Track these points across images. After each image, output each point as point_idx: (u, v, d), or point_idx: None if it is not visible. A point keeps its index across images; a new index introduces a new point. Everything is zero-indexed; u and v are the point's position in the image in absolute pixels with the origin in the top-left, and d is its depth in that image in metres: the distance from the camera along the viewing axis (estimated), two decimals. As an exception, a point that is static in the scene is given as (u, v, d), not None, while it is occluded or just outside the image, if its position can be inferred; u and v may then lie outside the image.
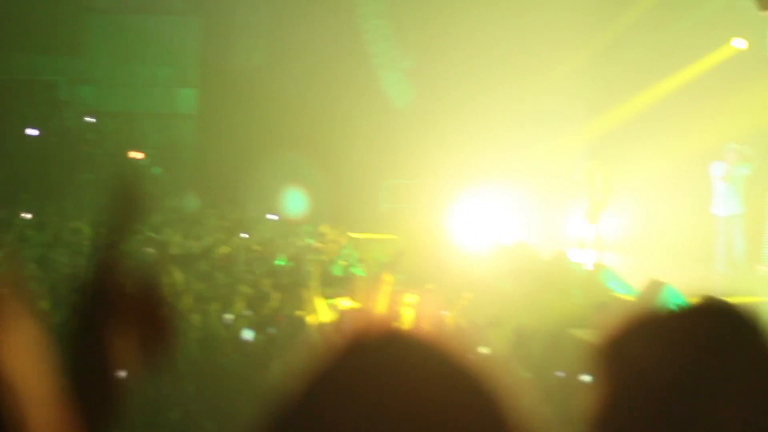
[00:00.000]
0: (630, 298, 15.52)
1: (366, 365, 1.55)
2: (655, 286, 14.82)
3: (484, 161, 24.93)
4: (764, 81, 22.63)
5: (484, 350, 10.10)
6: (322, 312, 11.70)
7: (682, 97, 24.29)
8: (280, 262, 16.66)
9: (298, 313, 11.68)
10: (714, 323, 1.74)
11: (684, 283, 15.78)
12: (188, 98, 28.55)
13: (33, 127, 26.54)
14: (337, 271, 16.18)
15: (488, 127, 25.24)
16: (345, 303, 12.55)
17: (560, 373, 8.75)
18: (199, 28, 27.69)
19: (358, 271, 16.22)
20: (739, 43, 23.93)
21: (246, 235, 19.49)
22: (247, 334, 10.78)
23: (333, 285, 13.86)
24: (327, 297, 12.55)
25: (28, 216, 20.05)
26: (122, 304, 2.16)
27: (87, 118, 27.42)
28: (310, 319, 11.58)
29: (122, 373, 2.15)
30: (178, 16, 28.09)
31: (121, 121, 28.17)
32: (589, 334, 13.43)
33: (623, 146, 24.75)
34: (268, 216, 22.93)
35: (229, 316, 11.46)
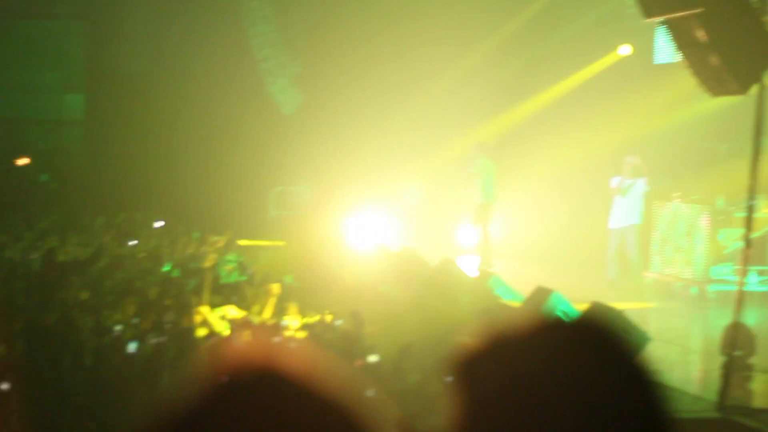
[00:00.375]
0: (516, 304, 15.63)
1: (238, 386, 1.54)
2: (542, 292, 14.96)
3: (375, 167, 24.99)
4: (651, 87, 22.98)
5: (371, 358, 10.11)
6: (210, 321, 11.60)
7: (573, 102, 24.61)
8: (167, 269, 16.51)
9: (186, 322, 11.56)
10: (581, 333, 1.74)
11: (572, 289, 15.99)
12: (76, 104, 28.18)
13: None
14: (225, 278, 16.06)
15: (378, 132, 25.30)
16: (232, 312, 12.46)
17: (448, 378, 8.80)
18: (86, 32, 27.34)
19: (246, 278, 16.12)
20: (624, 50, 24.29)
21: (134, 242, 19.27)
22: (132, 346, 10.65)
23: (221, 293, 13.76)
24: (215, 305, 12.45)
25: None
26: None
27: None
28: (198, 329, 11.48)
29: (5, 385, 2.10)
30: (64, 21, 27.70)
31: (6, 128, 27.71)
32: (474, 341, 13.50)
33: (513, 151, 24.97)
34: (157, 223, 22.71)
35: (117, 327, 11.31)
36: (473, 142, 21.61)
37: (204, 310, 11.78)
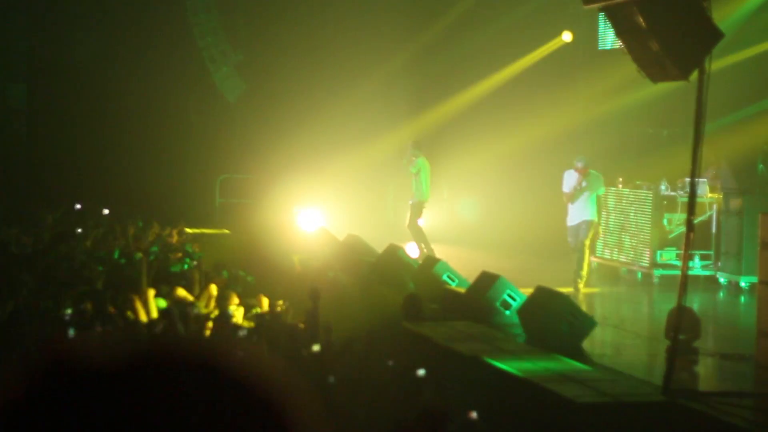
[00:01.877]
0: (462, 289, 15.68)
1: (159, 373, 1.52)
2: (488, 277, 15.01)
3: (319, 156, 24.98)
4: (595, 73, 23.08)
5: (315, 347, 10.09)
6: (153, 309, 11.53)
7: (516, 89, 24.70)
8: (114, 257, 16.39)
9: (130, 310, 11.49)
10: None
11: (518, 275, 16.06)
12: (18, 93, 27.89)
13: None
14: (172, 266, 15.99)
15: (322, 122, 25.29)
16: (179, 298, 12.40)
17: (391, 362, 8.81)
18: (28, 22, 27.07)
19: (192, 266, 16.05)
20: (566, 36, 24.38)
21: (79, 230, 19.13)
22: (71, 333, 10.56)
23: (167, 281, 13.69)
24: (161, 293, 12.37)
25: None
26: None
27: None
28: (142, 316, 11.40)
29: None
30: (4, 10, 27.39)
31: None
32: (422, 327, 13.54)
33: (457, 140, 25.05)
34: (103, 211, 22.57)
35: (66, 311, 11.22)
36: (409, 138, 21.61)
37: (150, 299, 11.69)
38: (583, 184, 18.62)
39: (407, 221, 21.02)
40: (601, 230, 19.77)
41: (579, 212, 18.66)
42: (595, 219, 18.69)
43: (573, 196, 18.67)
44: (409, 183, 21.23)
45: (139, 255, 15.59)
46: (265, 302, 12.60)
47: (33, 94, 27.32)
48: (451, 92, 25.66)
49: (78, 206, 23.34)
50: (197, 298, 12.53)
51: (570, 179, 18.65)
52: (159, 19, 26.29)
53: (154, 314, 11.36)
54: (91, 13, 26.28)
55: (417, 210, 20.86)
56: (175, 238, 18.63)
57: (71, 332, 10.23)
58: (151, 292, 11.66)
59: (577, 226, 18.62)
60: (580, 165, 18.56)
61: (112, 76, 26.18)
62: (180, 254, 16.90)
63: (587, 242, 18.53)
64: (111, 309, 11.43)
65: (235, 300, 12.24)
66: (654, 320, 15.32)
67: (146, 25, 26.22)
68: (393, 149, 23.88)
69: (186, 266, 15.63)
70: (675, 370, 10.36)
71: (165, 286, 12.83)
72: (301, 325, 11.28)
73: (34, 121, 27.17)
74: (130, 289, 12.38)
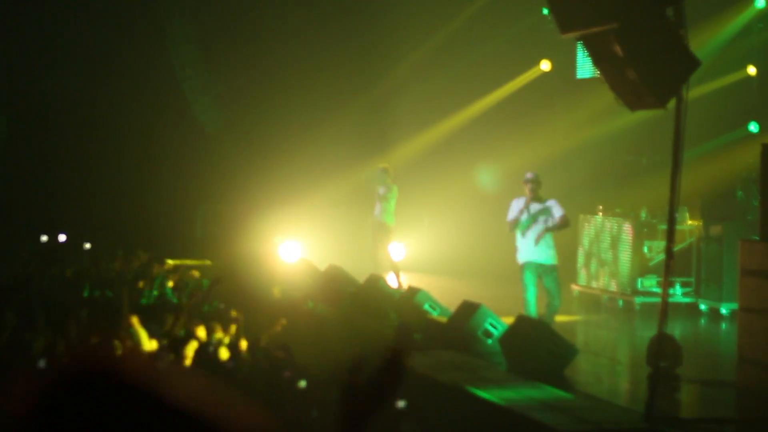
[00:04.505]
0: (444, 319, 15.67)
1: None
2: (469, 306, 15.01)
3: (299, 186, 24.97)
4: (573, 102, 23.17)
5: (302, 383, 10.07)
6: (144, 338, 11.50)
7: (495, 118, 24.76)
8: (95, 291, 16.35)
9: (116, 342, 11.45)
10: None
11: (499, 303, 16.05)
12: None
13: None
14: (151, 299, 15.96)
15: (302, 153, 25.29)
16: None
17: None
18: (7, 52, 27.01)
19: (175, 299, 16.02)
20: (544, 66, 24.49)
21: (59, 263, 19.09)
22: (41, 363, 10.51)
23: (147, 313, 13.66)
24: (143, 325, 12.34)
25: None
26: None
27: None
28: (127, 348, 11.37)
29: None
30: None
31: None
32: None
33: (435, 170, 25.10)
34: (84, 244, 22.51)
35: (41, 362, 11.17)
36: (377, 166, 21.59)
37: (136, 329, 11.66)
38: (531, 208, 15.83)
39: (375, 246, 20.92)
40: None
41: (533, 249, 15.87)
42: (557, 262, 16.00)
43: (515, 224, 15.99)
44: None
45: (124, 286, 15.55)
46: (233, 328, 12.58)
47: (11, 123, 27.23)
48: (430, 121, 25.72)
49: (63, 238, 23.29)
50: (181, 327, 12.50)
51: (517, 204, 16.11)
52: (140, 51, 26.29)
53: (145, 343, 11.33)
54: (72, 43, 26.26)
55: (387, 234, 20.80)
56: (155, 269, 18.58)
57: (41, 362, 10.18)
58: (135, 320, 11.63)
59: (535, 267, 15.83)
60: (529, 176, 16.08)
61: (93, 107, 26.14)
62: (159, 286, 16.84)
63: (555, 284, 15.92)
64: (94, 339, 11.41)
65: (221, 330, 12.22)
66: (635, 347, 15.34)
67: (127, 56, 26.21)
68: (370, 179, 23.89)
69: (175, 299, 15.59)
70: (657, 398, 10.37)
71: (145, 316, 12.77)
72: (282, 355, 11.26)
73: (12, 150, 27.06)
74: (115, 320, 12.35)
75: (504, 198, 23.31)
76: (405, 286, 19.00)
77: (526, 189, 16.07)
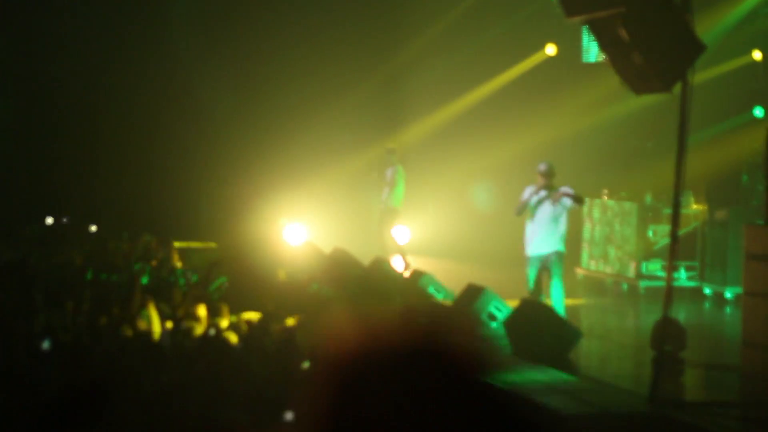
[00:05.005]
0: (448, 302, 15.71)
1: None
2: (474, 290, 15.04)
3: (305, 168, 24.98)
4: (579, 86, 23.15)
5: (305, 364, 10.09)
6: (156, 321, 11.53)
7: (501, 102, 24.75)
8: (101, 274, 16.36)
9: (125, 326, 11.48)
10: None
11: (503, 287, 16.07)
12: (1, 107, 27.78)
13: None
14: (156, 280, 15.98)
15: (308, 135, 25.30)
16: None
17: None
18: (11, 35, 26.99)
19: (182, 280, 16.05)
20: (550, 50, 24.48)
21: (65, 245, 19.10)
22: (45, 344, 10.53)
23: (158, 295, 13.68)
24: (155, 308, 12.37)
25: None
26: None
27: None
28: (139, 331, 11.40)
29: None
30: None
31: None
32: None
33: (442, 153, 25.10)
34: (90, 226, 22.53)
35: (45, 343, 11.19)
36: (385, 148, 21.61)
37: (149, 312, 11.68)
38: (541, 194, 15.08)
39: (381, 228, 21.02)
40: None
41: (544, 239, 15.10)
42: (564, 250, 15.25)
43: (524, 209, 15.22)
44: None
45: (138, 266, 15.60)
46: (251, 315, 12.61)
47: (7, 106, 27.20)
48: (436, 105, 25.72)
49: (65, 220, 23.31)
50: (184, 310, 12.53)
51: (528, 191, 15.32)
52: (146, 33, 26.28)
53: (156, 326, 11.36)
54: (79, 26, 26.24)
55: (393, 217, 20.88)
56: (162, 251, 18.61)
57: (45, 342, 10.21)
58: (151, 303, 11.66)
59: (545, 258, 15.06)
60: (542, 168, 15.29)
61: (96, 90, 26.14)
62: (167, 268, 16.88)
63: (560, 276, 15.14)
64: (103, 320, 11.44)
65: (227, 312, 12.25)
66: (640, 331, 15.37)
67: (133, 38, 26.20)
68: (378, 162, 23.88)
69: (182, 281, 15.62)
70: (661, 381, 10.41)
71: (157, 299, 12.79)
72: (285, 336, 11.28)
73: (11, 133, 27.05)
74: (125, 304, 12.37)
75: (509, 182, 23.37)
76: (411, 268, 19.06)
77: (539, 180, 15.20)
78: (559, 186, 15.26)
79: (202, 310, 12.05)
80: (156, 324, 11.46)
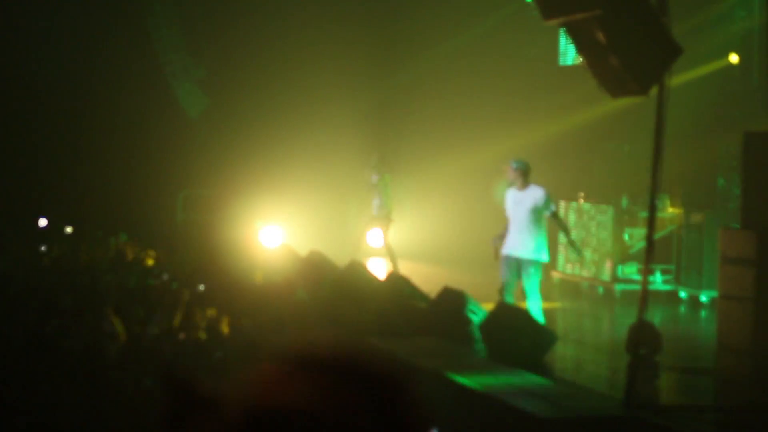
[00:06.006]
0: (425, 305, 15.67)
1: None
2: (450, 293, 15.00)
3: (280, 171, 24.94)
4: (556, 89, 23.15)
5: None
6: (119, 330, 11.47)
7: (478, 105, 24.73)
8: (77, 276, 16.28)
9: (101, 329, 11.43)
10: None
11: (479, 290, 16.05)
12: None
13: None
14: (133, 283, 15.91)
15: (284, 137, 25.26)
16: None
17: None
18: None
19: (153, 283, 15.97)
20: (529, 52, 24.48)
21: (43, 248, 19.01)
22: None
23: (129, 298, 13.62)
24: (123, 311, 12.31)
25: None
26: None
27: None
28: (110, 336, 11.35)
29: None
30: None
31: None
32: (385, 342, 13.52)
33: (417, 157, 25.09)
34: (66, 228, 22.44)
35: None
36: (374, 153, 21.58)
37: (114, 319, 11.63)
38: (514, 196, 14.48)
39: (382, 238, 21.12)
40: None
41: (518, 241, 14.42)
42: (541, 259, 14.42)
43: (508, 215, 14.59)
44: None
45: (105, 271, 15.52)
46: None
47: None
48: (414, 107, 25.70)
49: (43, 222, 23.19)
50: (163, 315, 12.47)
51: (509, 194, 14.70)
52: (121, 34, 26.20)
53: (121, 333, 11.31)
54: (56, 29, 26.14)
55: (388, 224, 20.93)
56: (136, 254, 18.54)
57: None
58: (110, 310, 11.61)
59: (517, 262, 14.38)
60: (513, 166, 14.60)
61: (73, 90, 26.04)
62: (140, 271, 16.81)
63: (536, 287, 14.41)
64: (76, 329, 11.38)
65: (198, 315, 12.20)
66: (615, 335, 15.37)
67: (110, 42, 26.11)
68: (355, 164, 23.83)
69: (145, 283, 15.54)
70: (636, 385, 10.39)
71: (125, 302, 12.74)
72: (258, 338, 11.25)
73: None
74: (97, 307, 12.30)
75: (486, 184, 23.38)
76: (389, 271, 19.05)
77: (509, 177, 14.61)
78: (530, 184, 14.61)
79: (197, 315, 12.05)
80: (121, 332, 11.40)
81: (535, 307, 14.23)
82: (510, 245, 14.43)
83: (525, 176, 14.54)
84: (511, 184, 14.58)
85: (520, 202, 14.43)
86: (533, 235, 14.32)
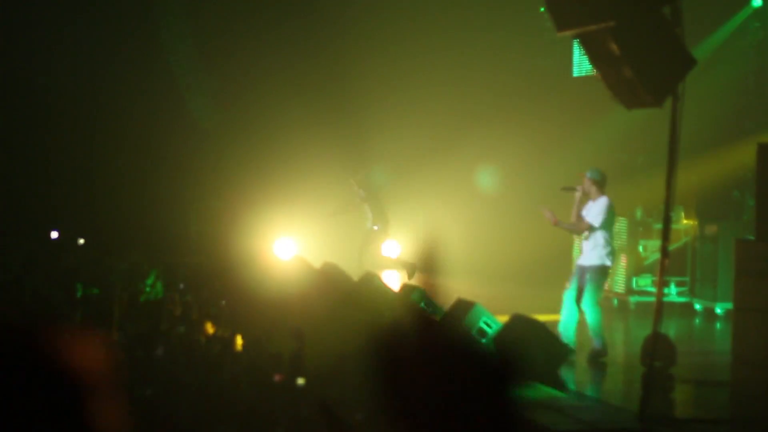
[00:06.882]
0: (439, 317, 15.63)
1: None
2: (464, 304, 14.97)
3: (295, 183, 24.94)
4: (570, 100, 23.12)
5: (300, 380, 10.04)
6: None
7: (492, 114, 24.70)
8: (89, 290, 16.29)
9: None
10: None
11: (494, 302, 16.03)
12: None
13: None
14: (144, 296, 15.92)
15: (298, 149, 25.25)
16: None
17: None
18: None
19: (167, 295, 15.98)
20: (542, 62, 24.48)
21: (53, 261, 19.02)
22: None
23: (142, 312, 13.63)
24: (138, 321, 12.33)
25: None
26: None
27: None
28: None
29: None
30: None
31: None
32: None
33: (429, 166, 25.05)
34: (78, 240, 22.46)
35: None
36: (364, 170, 21.64)
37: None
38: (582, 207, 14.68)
39: (376, 249, 21.09)
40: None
41: (583, 250, 14.78)
42: (606, 263, 14.57)
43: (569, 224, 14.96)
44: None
45: (118, 284, 15.52)
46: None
47: (6, 121, 27.14)
48: (428, 119, 25.66)
49: (55, 235, 23.21)
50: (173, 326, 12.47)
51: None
52: (136, 48, 26.23)
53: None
54: (68, 40, 26.18)
55: (382, 236, 20.95)
56: (152, 267, 18.53)
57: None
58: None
59: (581, 270, 14.67)
60: (588, 175, 14.81)
61: (88, 105, 26.08)
62: (152, 285, 16.81)
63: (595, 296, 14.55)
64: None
65: (210, 328, 12.19)
66: (630, 347, 15.31)
67: (123, 53, 26.15)
68: (366, 175, 23.82)
69: (158, 295, 15.54)
70: (651, 397, 10.35)
71: (137, 315, 12.75)
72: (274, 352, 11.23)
73: (7, 148, 26.99)
74: (107, 321, 12.32)
75: (500, 196, 23.34)
76: (401, 283, 19.01)
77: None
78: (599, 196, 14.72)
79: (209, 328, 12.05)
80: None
81: (589, 317, 14.43)
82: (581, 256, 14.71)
83: (599, 186, 14.71)
84: (585, 194, 14.75)
85: (589, 211, 14.63)
86: (596, 241, 14.48)
